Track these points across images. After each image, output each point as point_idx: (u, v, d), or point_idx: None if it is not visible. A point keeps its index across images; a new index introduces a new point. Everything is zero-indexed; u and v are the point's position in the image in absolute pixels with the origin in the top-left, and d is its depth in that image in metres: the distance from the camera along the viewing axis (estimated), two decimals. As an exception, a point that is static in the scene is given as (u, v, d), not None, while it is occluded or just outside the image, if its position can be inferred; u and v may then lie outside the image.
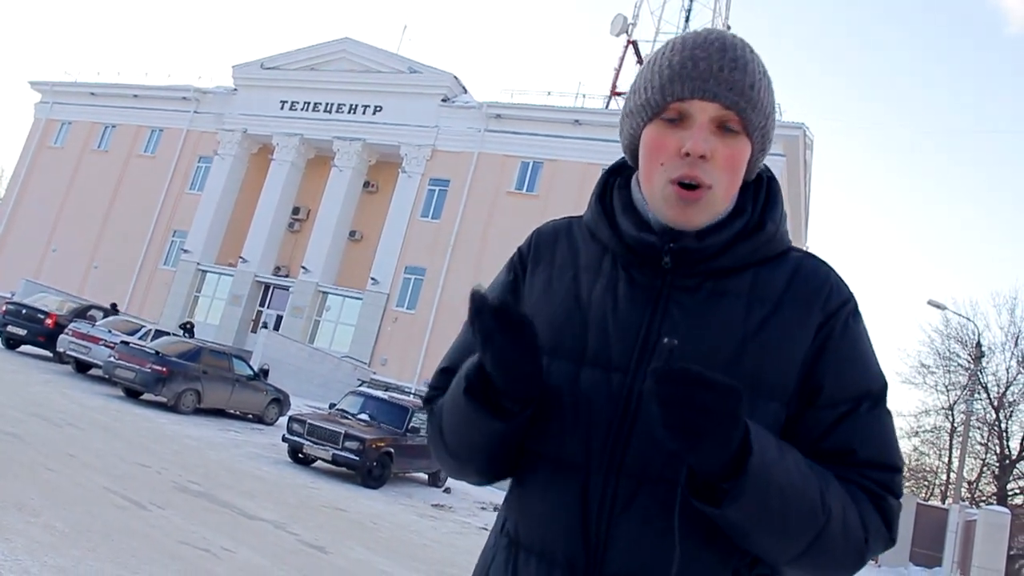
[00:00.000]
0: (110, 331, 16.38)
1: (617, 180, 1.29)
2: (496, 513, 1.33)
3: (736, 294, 1.15)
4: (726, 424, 0.95)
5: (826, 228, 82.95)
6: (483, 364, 1.10)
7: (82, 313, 18.05)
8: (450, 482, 15.04)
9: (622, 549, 1.09)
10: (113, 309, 21.51)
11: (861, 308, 1.20)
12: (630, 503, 1.09)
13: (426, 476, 15.08)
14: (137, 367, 14.08)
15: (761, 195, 1.23)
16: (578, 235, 1.28)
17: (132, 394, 14.73)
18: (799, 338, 1.13)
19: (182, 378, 14.48)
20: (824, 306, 1.15)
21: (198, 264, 36.36)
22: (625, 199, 1.24)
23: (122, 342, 15.00)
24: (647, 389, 0.98)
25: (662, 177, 1.14)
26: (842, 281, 1.19)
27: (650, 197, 1.18)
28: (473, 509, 13.38)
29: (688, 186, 1.12)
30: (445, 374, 1.30)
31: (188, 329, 24.57)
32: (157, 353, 14.36)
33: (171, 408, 14.36)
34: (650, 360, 1.12)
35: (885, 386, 1.17)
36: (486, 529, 11.28)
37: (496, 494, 14.14)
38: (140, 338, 16.60)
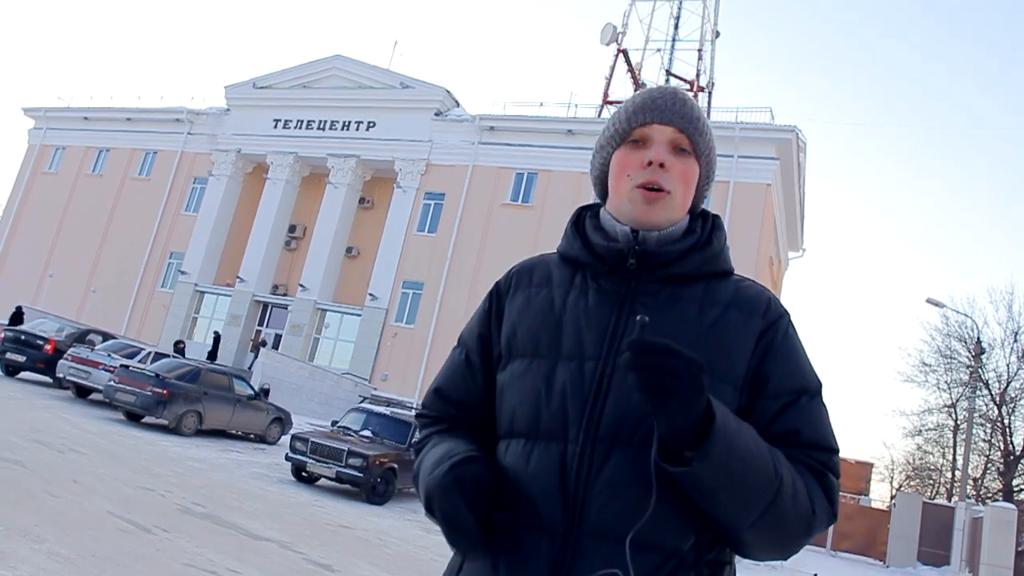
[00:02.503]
0: (110, 355, 16.35)
1: (588, 213, 1.52)
2: None
3: (690, 299, 1.36)
4: (691, 387, 1.10)
5: (823, 229, 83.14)
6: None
7: (81, 338, 18.03)
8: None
9: (598, 507, 1.24)
10: (18, 310, 22.42)
11: (795, 323, 1.42)
12: (604, 465, 1.24)
13: (430, 490, 15.00)
14: (138, 390, 14.04)
15: (708, 224, 1.46)
16: (552, 264, 1.48)
17: (133, 418, 14.69)
18: (743, 336, 1.34)
19: (183, 400, 14.44)
20: (764, 316, 1.37)
21: (196, 285, 36.33)
22: (596, 223, 1.47)
23: (122, 365, 14.96)
24: (623, 360, 1.13)
25: (628, 184, 1.40)
26: (778, 300, 1.42)
27: (618, 205, 1.42)
28: (479, 522, 13.31)
29: (650, 189, 1.37)
30: (437, 395, 1.51)
31: (180, 350, 24.64)
32: (157, 376, 14.32)
33: (172, 430, 14.32)
34: (619, 348, 1.29)
35: (820, 386, 1.36)
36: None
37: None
38: (140, 361, 16.56)
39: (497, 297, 1.49)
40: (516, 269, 1.51)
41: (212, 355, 29.71)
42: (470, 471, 1.24)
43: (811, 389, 1.34)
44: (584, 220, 1.49)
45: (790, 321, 1.39)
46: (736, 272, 1.45)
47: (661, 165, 1.37)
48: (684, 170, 1.40)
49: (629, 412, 1.24)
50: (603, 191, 1.49)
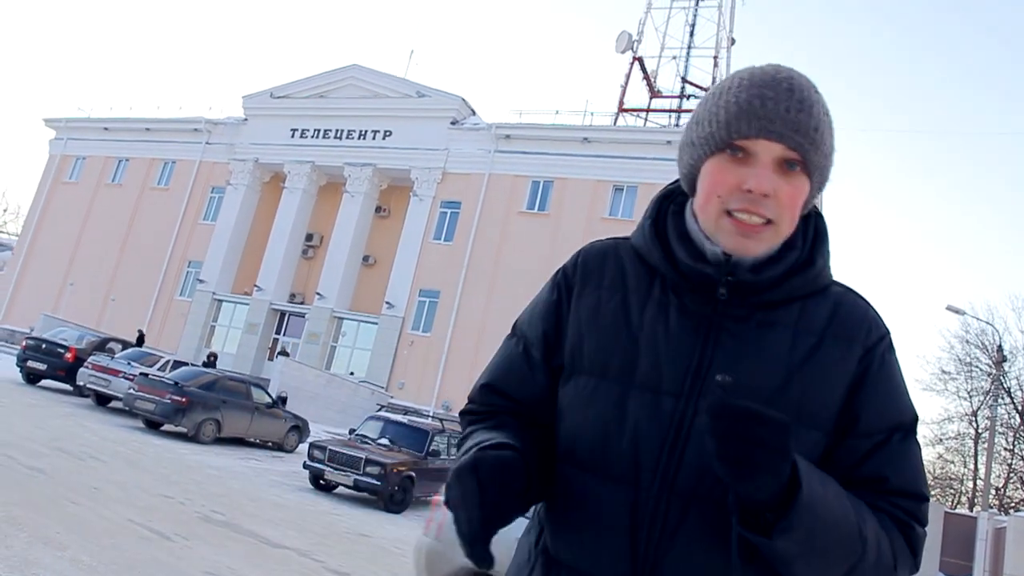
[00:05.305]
0: (129, 363, 16.49)
1: (670, 207, 1.29)
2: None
3: (784, 325, 1.19)
4: (778, 457, 0.98)
5: (842, 235, 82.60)
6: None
7: (101, 346, 18.18)
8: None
9: (673, 570, 1.12)
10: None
11: (895, 342, 1.26)
12: (681, 523, 1.12)
13: (448, 499, 14.99)
14: (157, 398, 14.15)
15: (810, 231, 1.26)
16: (625, 257, 1.29)
17: (152, 425, 14.78)
18: (841, 371, 1.18)
19: (201, 408, 14.52)
20: (864, 340, 1.20)
21: (214, 294, 36.59)
22: (680, 227, 1.25)
23: (141, 374, 15.07)
24: (701, 424, 1.03)
25: (718, 207, 1.16)
26: (879, 316, 1.25)
27: (706, 226, 1.19)
28: (496, 531, 13.28)
29: (747, 219, 1.15)
30: (485, 390, 1.33)
31: (211, 363, 24.76)
32: (176, 384, 14.42)
33: (191, 438, 14.39)
34: (703, 387, 1.15)
35: (916, 418, 1.23)
36: (510, 551, 11.18)
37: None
38: (159, 369, 16.67)
39: (565, 287, 1.30)
40: (585, 256, 1.32)
41: None
42: (495, 455, 1.09)
43: (905, 424, 1.20)
44: (666, 218, 1.28)
45: (890, 343, 1.23)
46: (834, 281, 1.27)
47: (765, 195, 1.13)
48: (792, 193, 1.15)
49: (711, 464, 1.06)
50: (691, 186, 1.24)
